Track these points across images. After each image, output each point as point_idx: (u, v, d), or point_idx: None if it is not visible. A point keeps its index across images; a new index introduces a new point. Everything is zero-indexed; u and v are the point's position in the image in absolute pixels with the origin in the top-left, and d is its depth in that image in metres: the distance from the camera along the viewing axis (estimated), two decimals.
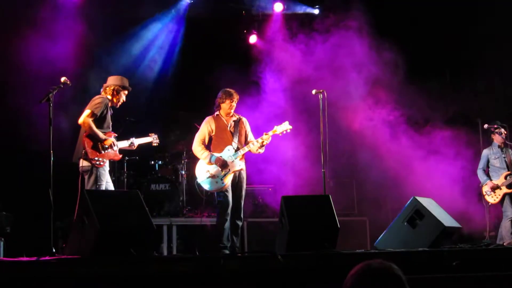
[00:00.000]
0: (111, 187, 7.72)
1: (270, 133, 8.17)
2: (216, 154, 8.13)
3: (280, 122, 8.41)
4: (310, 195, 8.22)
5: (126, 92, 7.96)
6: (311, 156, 10.07)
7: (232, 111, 8.32)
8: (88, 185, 7.41)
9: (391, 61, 10.27)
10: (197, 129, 10.34)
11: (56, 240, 7.54)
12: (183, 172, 10.60)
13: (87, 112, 7.54)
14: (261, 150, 8.24)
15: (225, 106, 8.26)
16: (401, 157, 10.14)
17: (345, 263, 5.89)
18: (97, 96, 7.77)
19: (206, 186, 8.15)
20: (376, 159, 10.39)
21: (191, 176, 10.67)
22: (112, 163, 8.01)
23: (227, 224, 7.98)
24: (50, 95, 7.10)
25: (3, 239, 8.36)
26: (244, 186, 8.23)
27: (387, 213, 10.26)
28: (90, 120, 7.49)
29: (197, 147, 8.27)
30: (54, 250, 6.61)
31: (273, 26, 11.60)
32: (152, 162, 10.84)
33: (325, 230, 6.66)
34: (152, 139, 8.45)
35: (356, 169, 10.93)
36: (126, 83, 7.95)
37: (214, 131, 8.26)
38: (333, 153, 8.68)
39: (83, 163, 7.48)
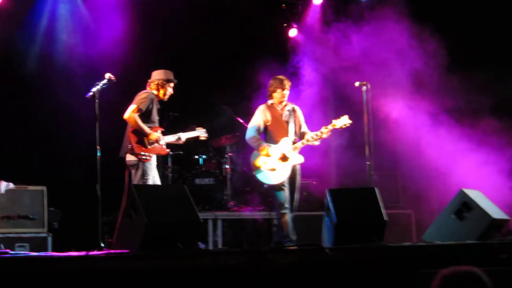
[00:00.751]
0: (158, 181, 7.75)
1: (330, 127, 7.92)
2: (274, 146, 7.96)
3: (322, 113, 8.30)
4: (356, 188, 8.12)
5: (171, 84, 7.94)
6: (353, 148, 9.98)
7: (285, 99, 8.12)
8: (135, 180, 7.45)
9: (433, 49, 10.09)
10: (238, 123, 10.37)
11: (103, 235, 7.63)
12: (227, 166, 10.59)
13: (132, 107, 7.58)
14: (317, 143, 8.03)
15: (277, 95, 8.07)
16: (445, 148, 9.97)
17: (393, 256, 5.86)
18: (142, 91, 7.81)
19: (263, 179, 7.92)
20: (419, 151, 10.24)
21: (235, 170, 10.69)
22: (157, 158, 8.04)
23: (289, 217, 7.81)
24: (95, 90, 7.19)
25: (51, 234, 8.47)
26: (299, 180, 8.09)
27: (432, 205, 10.08)
28: (135, 115, 7.53)
29: (252, 137, 8.01)
30: (102, 245, 6.68)
31: (312, 18, 11.50)
32: (196, 157, 10.86)
33: (372, 224, 6.62)
34: (200, 133, 8.40)
35: (399, 161, 10.78)
36: (170, 76, 7.94)
37: (269, 121, 8.04)
38: (376, 144, 8.58)
39: (130, 158, 7.54)
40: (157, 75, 7.92)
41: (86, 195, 7.86)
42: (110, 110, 7.78)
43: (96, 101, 7.27)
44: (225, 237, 9.81)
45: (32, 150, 9.61)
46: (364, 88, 8.19)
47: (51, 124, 9.82)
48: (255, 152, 8.05)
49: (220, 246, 9.49)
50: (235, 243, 9.68)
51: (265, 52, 10.52)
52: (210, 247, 9.40)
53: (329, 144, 10.33)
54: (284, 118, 8.08)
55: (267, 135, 8.11)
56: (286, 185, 7.90)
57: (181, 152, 10.36)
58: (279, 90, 8.03)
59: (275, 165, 7.87)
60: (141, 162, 7.50)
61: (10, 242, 7.94)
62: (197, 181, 10.32)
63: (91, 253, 5.78)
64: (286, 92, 8.08)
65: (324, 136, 7.93)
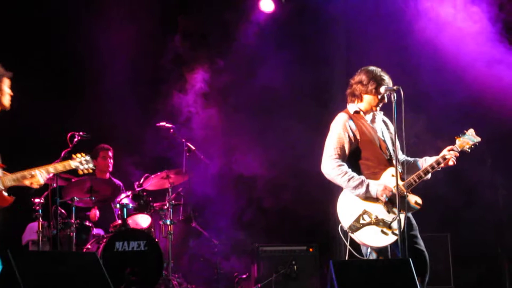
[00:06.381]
0: None
1: (456, 148, 7.79)
2: (376, 182, 7.80)
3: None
4: (376, 260, 8.04)
5: (6, 80, 7.75)
6: None
7: (380, 107, 7.98)
8: None
9: None
10: (188, 151, 10.46)
11: None
12: (168, 222, 10.72)
13: None
14: (428, 176, 7.82)
15: (371, 99, 7.94)
16: None
17: None
18: None
19: (366, 239, 7.72)
20: None
21: (182, 227, 10.78)
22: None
23: None
24: None
25: None
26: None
27: None
28: None
29: (336, 168, 7.80)
30: None
31: None
32: (113, 206, 10.99)
33: None
34: (78, 162, 7.95)
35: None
36: None
37: (359, 139, 7.89)
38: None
39: None
40: None
41: None
42: None
43: None
44: None
45: None
46: (393, 96, 7.87)
47: None
48: (345, 193, 7.88)
49: None
50: None
51: None
52: None
53: None
54: (381, 134, 8.00)
55: (356, 163, 7.95)
56: (398, 246, 7.61)
57: (69, 202, 10.33)
58: (375, 91, 7.88)
59: (383, 214, 7.74)
60: None
61: None
62: (118, 245, 10.28)
63: None
64: (385, 98, 7.92)
65: (451, 163, 7.79)
